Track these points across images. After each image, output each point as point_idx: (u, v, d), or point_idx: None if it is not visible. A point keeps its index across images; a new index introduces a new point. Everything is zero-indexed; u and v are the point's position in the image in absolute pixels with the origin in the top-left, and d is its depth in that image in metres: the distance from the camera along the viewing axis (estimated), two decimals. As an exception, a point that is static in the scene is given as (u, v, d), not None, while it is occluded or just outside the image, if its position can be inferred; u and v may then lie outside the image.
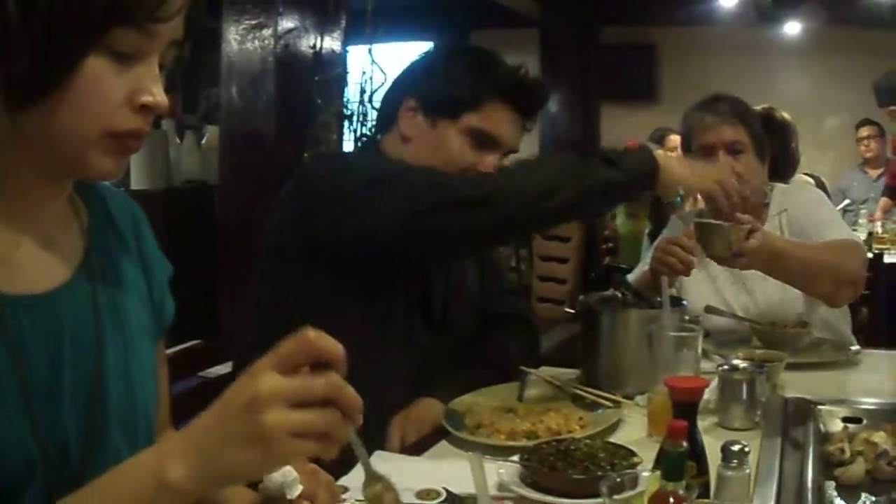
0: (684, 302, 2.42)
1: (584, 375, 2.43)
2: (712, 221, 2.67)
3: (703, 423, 1.97)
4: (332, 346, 1.15)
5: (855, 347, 2.82)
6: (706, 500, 1.55)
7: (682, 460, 1.46)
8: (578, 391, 2.28)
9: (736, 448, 1.60)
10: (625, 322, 2.40)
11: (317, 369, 1.14)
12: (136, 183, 4.87)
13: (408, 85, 2.33)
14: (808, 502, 1.65)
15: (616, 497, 1.48)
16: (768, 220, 3.11)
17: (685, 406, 1.61)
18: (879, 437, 2.00)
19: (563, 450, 1.82)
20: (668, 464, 1.43)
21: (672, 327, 2.09)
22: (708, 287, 3.05)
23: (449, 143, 2.23)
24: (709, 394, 2.06)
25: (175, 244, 1.76)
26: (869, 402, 2.22)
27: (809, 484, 1.71)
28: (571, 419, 2.10)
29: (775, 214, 3.13)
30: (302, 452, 1.16)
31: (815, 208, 3.15)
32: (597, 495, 1.52)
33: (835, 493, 1.82)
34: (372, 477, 1.24)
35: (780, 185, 3.27)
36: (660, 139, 7.16)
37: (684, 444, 1.47)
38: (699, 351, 2.11)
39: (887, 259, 4.98)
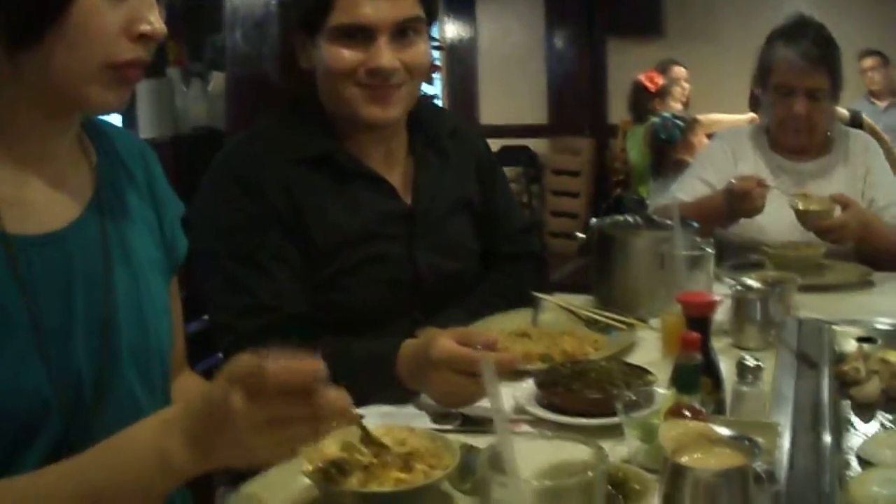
0: (695, 224, 2.42)
1: (597, 300, 2.43)
2: (810, 209, 2.82)
3: (718, 344, 1.95)
4: (293, 376, 1.14)
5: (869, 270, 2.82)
6: (722, 417, 1.55)
7: (696, 373, 1.47)
8: (592, 314, 2.28)
9: (751, 364, 1.60)
10: (636, 244, 2.40)
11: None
12: (144, 132, 4.88)
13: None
14: (823, 420, 1.64)
15: (633, 414, 1.48)
16: (842, 169, 3.18)
17: (698, 321, 1.60)
18: (894, 357, 2.01)
19: (579, 371, 1.82)
20: (682, 376, 1.44)
21: (683, 248, 2.08)
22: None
23: (330, 56, 2.08)
24: (723, 315, 2.07)
25: (185, 191, 1.75)
26: (884, 321, 2.22)
27: (825, 402, 1.70)
28: (586, 342, 2.10)
29: (860, 167, 3.18)
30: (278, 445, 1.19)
31: (889, 178, 3.23)
32: (613, 414, 1.54)
33: (850, 412, 1.82)
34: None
35: (854, 133, 3.33)
36: (665, 70, 7.13)
37: (698, 356, 1.48)
38: (711, 271, 2.11)
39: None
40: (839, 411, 1.81)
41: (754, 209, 2.86)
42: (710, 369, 1.59)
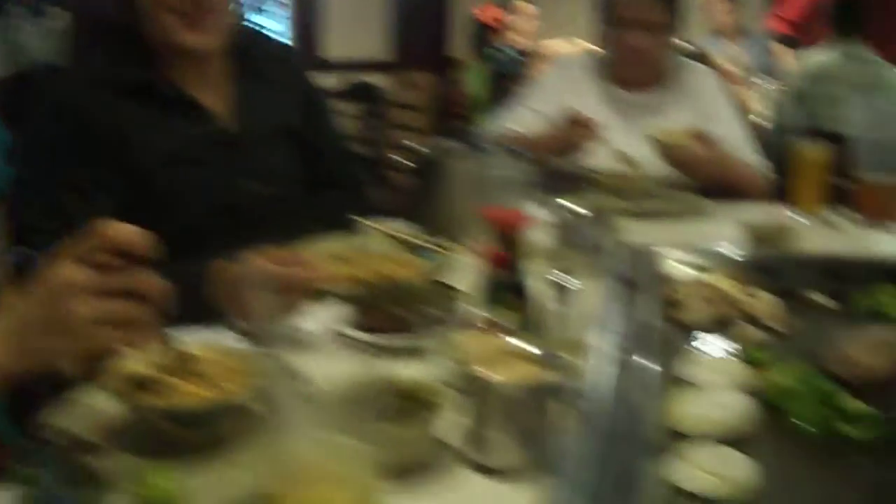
0: (526, 152, 2.41)
1: (420, 226, 2.38)
2: (670, 142, 2.86)
3: (539, 267, 1.98)
4: (131, 237, 1.12)
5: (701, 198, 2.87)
6: (532, 335, 1.53)
7: (504, 290, 1.46)
8: (411, 239, 2.25)
9: (565, 284, 1.59)
10: (456, 169, 2.36)
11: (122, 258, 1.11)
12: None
13: None
14: (646, 342, 1.63)
15: (440, 332, 1.48)
16: (679, 102, 3.20)
17: (506, 238, 1.58)
18: (721, 283, 2.03)
19: (391, 291, 1.83)
20: (489, 293, 1.43)
21: (505, 173, 2.07)
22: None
23: None
24: (547, 239, 2.07)
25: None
26: (712, 248, 2.25)
27: (649, 325, 1.71)
28: (403, 265, 2.07)
29: (700, 102, 3.22)
30: (107, 342, 1.13)
31: (731, 113, 3.28)
32: (423, 332, 1.55)
33: (675, 336, 1.84)
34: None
35: (694, 67, 3.34)
36: (506, 4, 7.14)
37: (506, 273, 1.47)
38: (533, 196, 2.09)
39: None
40: (665, 336, 1.81)
41: (588, 139, 2.86)
42: (520, 288, 1.57)
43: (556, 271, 1.96)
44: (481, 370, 1.24)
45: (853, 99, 3.82)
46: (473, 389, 1.24)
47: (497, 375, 1.23)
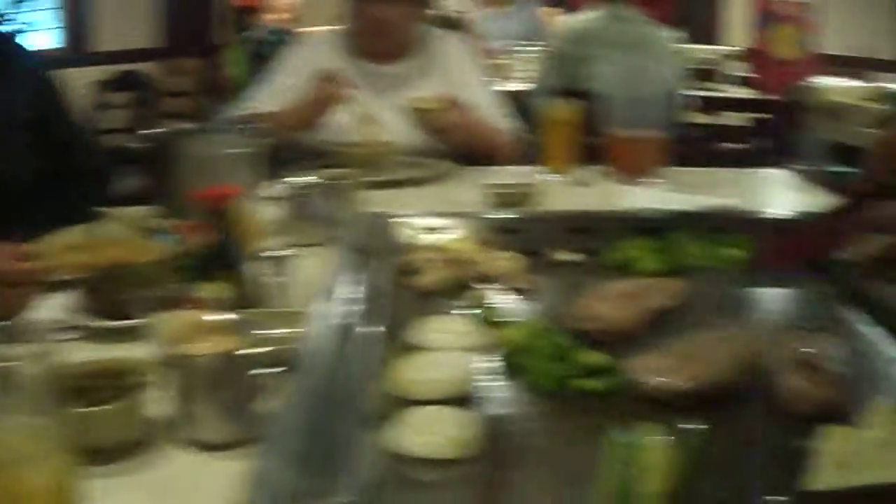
0: (264, 127, 2.32)
1: (159, 209, 2.30)
2: (423, 107, 2.83)
3: (275, 241, 1.90)
4: None
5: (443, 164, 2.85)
6: (250, 310, 1.47)
7: (215, 264, 1.43)
8: (149, 224, 2.18)
9: (272, 254, 1.53)
10: (185, 148, 2.26)
11: None
12: None
13: None
14: (377, 310, 1.61)
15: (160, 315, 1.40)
16: (428, 72, 3.15)
17: (217, 214, 1.51)
18: (458, 245, 2.00)
19: (119, 275, 1.76)
20: (194, 268, 1.37)
21: (235, 149, 1.97)
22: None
23: None
24: (278, 212, 2.06)
25: None
26: (449, 212, 2.20)
27: (380, 292, 1.64)
28: (138, 250, 1.99)
29: (448, 70, 3.17)
30: None
31: (480, 79, 3.26)
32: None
33: (412, 300, 1.80)
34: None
35: (442, 35, 3.29)
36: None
37: (219, 249, 1.41)
38: (261, 170, 2.00)
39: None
40: (398, 301, 1.78)
41: (335, 100, 2.77)
42: (233, 262, 1.49)
43: (276, 244, 1.89)
44: (182, 346, 1.22)
45: (610, 58, 3.85)
46: (177, 366, 1.23)
47: (196, 349, 1.21)
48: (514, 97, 4.62)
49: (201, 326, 1.26)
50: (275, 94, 3.06)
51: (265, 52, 6.17)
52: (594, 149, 2.85)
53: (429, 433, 1.21)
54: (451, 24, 5.01)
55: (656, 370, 1.42)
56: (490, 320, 1.66)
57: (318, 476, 1.01)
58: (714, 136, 5.32)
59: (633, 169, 2.74)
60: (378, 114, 2.89)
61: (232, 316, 1.29)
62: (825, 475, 1.11)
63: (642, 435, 1.19)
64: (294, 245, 1.96)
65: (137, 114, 7.46)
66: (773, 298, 1.91)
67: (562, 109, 2.79)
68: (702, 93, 6.22)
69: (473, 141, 2.96)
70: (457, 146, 2.94)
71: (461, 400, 1.35)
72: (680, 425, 1.22)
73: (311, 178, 2.07)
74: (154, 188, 2.39)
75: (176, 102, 7.68)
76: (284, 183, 2.03)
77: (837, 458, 1.14)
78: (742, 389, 1.40)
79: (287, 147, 2.80)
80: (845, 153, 5.73)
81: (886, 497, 1.04)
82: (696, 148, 4.59)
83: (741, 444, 1.25)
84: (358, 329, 1.46)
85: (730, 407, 1.37)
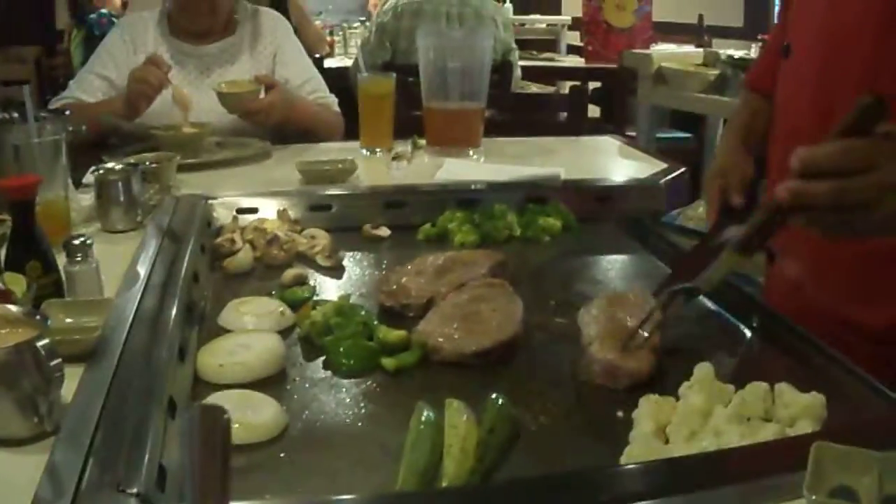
0: (66, 113, 2.25)
1: None
2: (235, 92, 2.79)
3: (88, 229, 1.89)
4: None
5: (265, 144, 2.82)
6: (57, 300, 1.43)
7: (18, 255, 1.41)
8: None
9: (78, 242, 1.49)
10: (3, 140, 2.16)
11: None
12: None
13: None
14: (188, 293, 1.58)
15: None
16: (247, 50, 3.12)
17: (18, 204, 1.46)
18: (270, 224, 1.99)
19: None
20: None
21: (44, 136, 1.91)
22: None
23: None
24: (89, 199, 2.01)
25: None
26: (264, 192, 2.22)
27: (182, 273, 1.61)
28: None
29: (268, 47, 3.14)
30: None
31: (300, 56, 3.24)
32: None
33: (223, 282, 1.81)
34: None
35: (263, 12, 3.24)
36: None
37: (22, 240, 1.41)
38: (64, 159, 1.94)
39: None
40: (210, 283, 1.79)
41: (152, 89, 2.73)
42: (39, 253, 1.45)
43: (108, 232, 1.86)
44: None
45: (432, 30, 3.87)
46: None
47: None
48: (340, 73, 4.63)
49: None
50: (95, 81, 3.00)
51: (104, 34, 6.10)
52: (415, 123, 2.86)
53: (233, 419, 1.19)
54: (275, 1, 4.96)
55: (441, 334, 1.45)
56: (300, 300, 1.65)
57: (114, 466, 0.98)
58: (546, 105, 5.38)
59: (449, 141, 2.75)
60: (195, 95, 2.84)
61: (27, 307, 1.24)
62: (642, 445, 1.13)
63: (449, 409, 1.19)
64: (105, 231, 1.93)
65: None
66: (596, 266, 1.94)
67: (378, 84, 2.79)
68: (535, 63, 6.31)
69: (292, 119, 2.95)
70: (275, 125, 2.92)
71: (268, 382, 1.34)
72: (489, 398, 1.23)
73: (124, 163, 2.02)
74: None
75: (10, 92, 7.49)
76: (98, 170, 1.97)
77: (654, 427, 1.15)
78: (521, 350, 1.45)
79: (105, 133, 2.76)
80: (679, 120, 5.87)
81: (704, 465, 1.04)
82: (526, 118, 4.65)
83: (558, 417, 1.26)
84: (166, 313, 1.43)
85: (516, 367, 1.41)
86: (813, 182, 1.09)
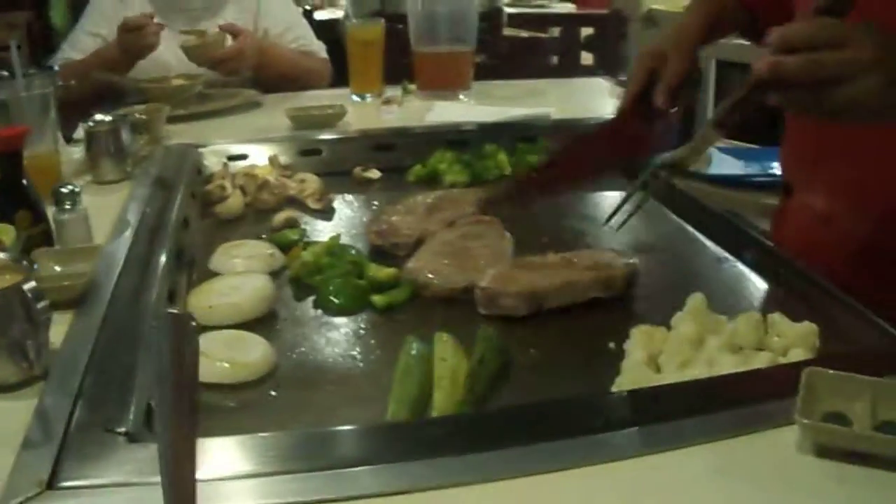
0: (56, 67, 2.24)
1: None
2: (191, 44, 2.78)
3: (80, 182, 1.85)
4: None
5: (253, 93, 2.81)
6: (47, 248, 1.43)
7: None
8: None
9: (65, 190, 1.49)
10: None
11: None
12: None
13: None
14: (178, 239, 1.59)
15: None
16: (231, 2, 3.10)
17: (5, 155, 1.44)
18: (261, 170, 1.98)
19: None
20: None
21: (32, 90, 1.90)
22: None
23: None
24: (80, 153, 2.01)
25: None
26: (253, 139, 2.21)
27: (172, 219, 1.62)
28: None
29: (251, 2, 3.12)
30: None
31: (284, 4, 3.26)
32: None
33: (213, 227, 1.80)
34: None
35: None
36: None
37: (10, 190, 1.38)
38: (53, 113, 1.93)
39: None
40: (200, 229, 1.79)
41: (147, 46, 2.72)
42: (29, 202, 1.45)
43: (97, 184, 1.87)
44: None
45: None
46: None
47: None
48: (330, 25, 4.59)
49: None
50: (88, 40, 2.99)
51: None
52: (406, 70, 2.85)
53: (223, 358, 1.19)
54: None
55: (431, 270, 1.45)
56: (290, 242, 1.64)
57: (102, 407, 0.98)
58: (538, 47, 5.33)
59: (439, 85, 2.75)
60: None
61: (13, 254, 1.23)
62: (633, 374, 1.12)
63: (439, 342, 1.19)
64: (96, 183, 1.92)
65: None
66: (586, 202, 1.94)
67: (366, 29, 2.78)
68: (525, 9, 6.26)
69: (267, 64, 2.94)
70: (250, 73, 2.92)
71: (258, 323, 1.34)
72: (479, 329, 1.23)
73: (115, 115, 2.01)
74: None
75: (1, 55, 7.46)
76: (89, 122, 1.96)
77: (646, 357, 1.15)
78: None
79: (96, 88, 2.74)
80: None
81: (695, 391, 1.04)
82: (518, 63, 4.62)
83: (548, 349, 1.26)
84: (155, 258, 1.43)
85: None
86: (789, 56, 1.10)
